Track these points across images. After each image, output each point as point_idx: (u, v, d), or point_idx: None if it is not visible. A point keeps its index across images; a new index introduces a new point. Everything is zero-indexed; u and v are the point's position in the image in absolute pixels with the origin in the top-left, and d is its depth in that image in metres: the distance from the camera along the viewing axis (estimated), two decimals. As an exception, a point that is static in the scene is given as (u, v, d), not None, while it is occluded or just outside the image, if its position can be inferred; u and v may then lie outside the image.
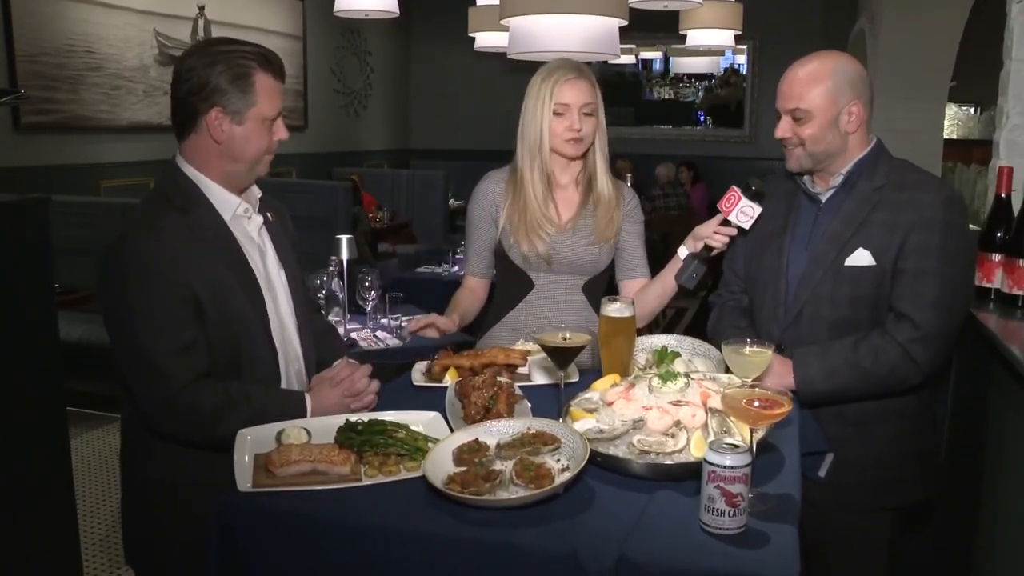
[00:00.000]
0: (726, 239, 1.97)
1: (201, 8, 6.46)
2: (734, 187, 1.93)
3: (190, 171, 1.66)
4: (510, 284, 2.24)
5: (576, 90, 2.11)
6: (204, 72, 1.59)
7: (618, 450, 1.44)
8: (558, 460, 1.39)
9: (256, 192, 1.76)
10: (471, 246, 2.30)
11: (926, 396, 1.96)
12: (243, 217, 1.70)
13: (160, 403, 1.55)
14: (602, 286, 2.25)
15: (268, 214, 1.78)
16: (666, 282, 2.11)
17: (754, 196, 1.92)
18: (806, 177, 1.97)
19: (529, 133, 2.15)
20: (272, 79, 1.64)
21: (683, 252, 2.04)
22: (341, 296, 3.05)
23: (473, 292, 2.33)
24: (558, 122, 2.11)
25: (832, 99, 1.84)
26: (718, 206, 1.96)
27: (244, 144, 1.63)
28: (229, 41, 1.66)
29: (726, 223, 1.95)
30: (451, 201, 7.82)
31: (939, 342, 1.81)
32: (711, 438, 1.42)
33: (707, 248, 1.99)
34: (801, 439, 1.62)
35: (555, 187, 2.20)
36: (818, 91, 1.84)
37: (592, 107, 2.13)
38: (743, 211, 1.92)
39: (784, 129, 1.89)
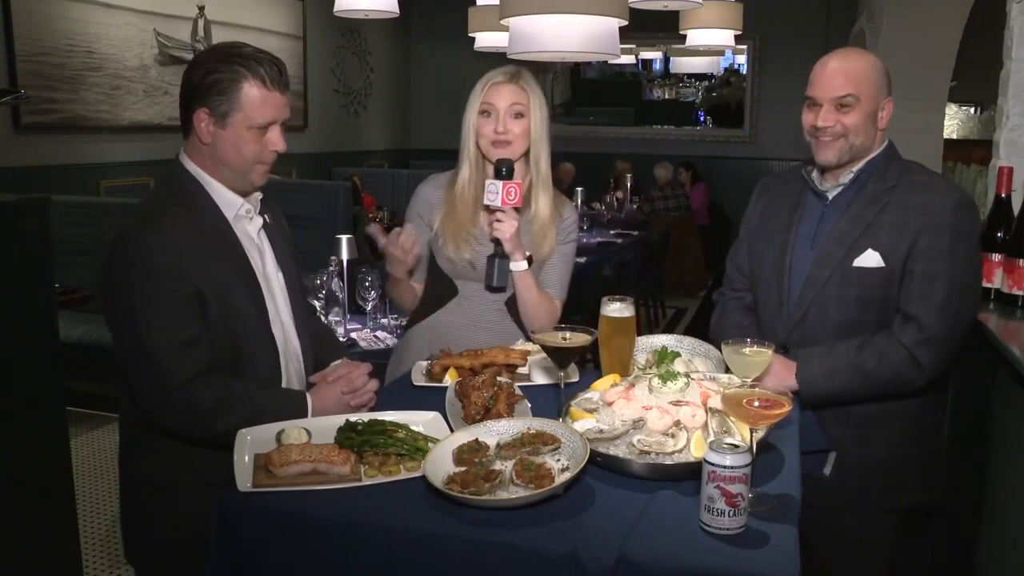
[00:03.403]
0: (503, 224, 2.00)
1: (201, 8, 6.46)
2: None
3: (193, 169, 1.67)
4: (435, 288, 2.20)
5: (504, 92, 2.07)
6: (197, 73, 1.60)
7: (618, 450, 1.43)
8: (558, 460, 1.39)
9: (257, 193, 1.76)
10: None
11: (930, 399, 1.94)
12: (245, 217, 1.71)
13: (160, 398, 1.55)
14: None
15: (266, 216, 1.79)
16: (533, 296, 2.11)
17: (498, 175, 2.02)
18: (815, 173, 1.97)
19: (462, 136, 2.13)
20: (264, 88, 1.61)
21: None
22: (341, 296, 3.05)
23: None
24: (485, 123, 2.09)
25: (875, 91, 1.85)
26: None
27: (228, 149, 1.63)
28: (237, 46, 1.65)
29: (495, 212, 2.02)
30: (451, 201, 7.80)
31: (944, 346, 1.80)
32: (711, 438, 1.42)
33: (496, 242, 2.03)
34: (804, 438, 1.62)
35: None
36: (866, 81, 1.84)
37: (521, 108, 2.07)
38: (489, 192, 2.00)
39: (827, 118, 1.85)
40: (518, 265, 2.06)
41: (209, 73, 1.59)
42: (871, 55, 1.92)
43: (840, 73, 1.85)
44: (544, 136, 2.12)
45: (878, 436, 1.91)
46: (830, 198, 1.93)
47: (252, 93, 1.60)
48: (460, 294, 2.15)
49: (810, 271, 1.91)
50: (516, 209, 2.03)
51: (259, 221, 1.75)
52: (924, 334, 1.77)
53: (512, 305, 2.15)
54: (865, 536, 1.97)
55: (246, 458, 1.44)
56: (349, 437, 1.47)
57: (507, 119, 2.07)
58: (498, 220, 2.00)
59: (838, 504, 1.92)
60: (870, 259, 1.84)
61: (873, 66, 1.87)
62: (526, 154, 2.12)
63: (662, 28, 6.18)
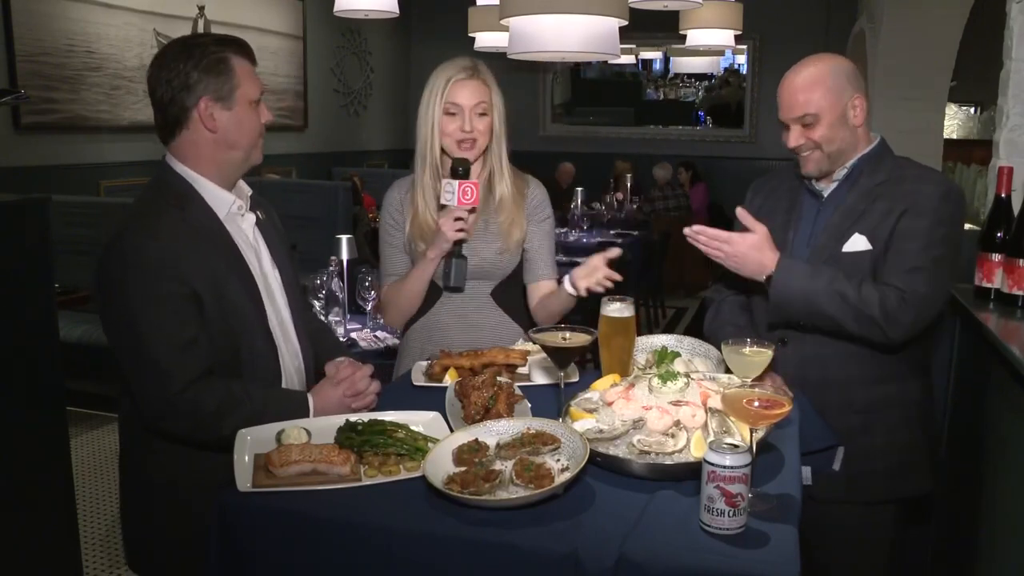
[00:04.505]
0: (459, 224, 2.00)
1: (201, 8, 6.46)
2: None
3: (182, 169, 1.66)
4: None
5: (469, 90, 2.05)
6: (184, 67, 1.61)
7: (618, 450, 1.43)
8: (558, 460, 1.39)
9: (246, 189, 1.77)
10: (389, 258, 2.21)
11: (925, 385, 1.99)
12: (237, 215, 1.71)
13: (162, 401, 1.55)
14: (514, 291, 2.20)
15: (258, 213, 1.79)
16: (562, 294, 2.09)
17: (455, 174, 2.02)
18: None
19: (420, 134, 2.11)
20: (247, 62, 1.67)
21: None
22: (341, 296, 3.05)
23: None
24: (449, 122, 2.07)
25: (836, 97, 1.86)
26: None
27: (238, 129, 1.65)
28: (192, 36, 1.69)
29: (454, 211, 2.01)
30: (451, 201, 7.80)
31: (919, 310, 1.80)
32: (711, 438, 1.42)
33: (456, 243, 2.02)
34: (807, 437, 1.63)
35: None
36: (821, 92, 1.85)
37: (485, 106, 2.07)
38: (445, 192, 2.02)
39: (796, 138, 1.90)
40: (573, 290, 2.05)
41: (199, 61, 1.60)
42: (828, 59, 1.91)
43: (796, 92, 1.88)
44: (504, 126, 2.12)
45: (880, 422, 1.93)
46: (825, 196, 1.96)
47: (242, 67, 1.65)
48: (444, 295, 2.15)
49: None
50: (472, 209, 2.03)
51: (252, 218, 1.75)
52: (902, 294, 1.79)
53: (499, 295, 2.16)
54: (866, 534, 1.98)
55: (246, 458, 1.44)
56: (349, 437, 1.47)
57: (473, 118, 2.06)
58: (451, 218, 2.00)
59: (845, 496, 1.93)
60: (858, 243, 1.87)
61: (830, 72, 1.87)
62: (493, 151, 2.13)
63: (662, 28, 6.17)
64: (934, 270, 1.82)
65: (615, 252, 1.98)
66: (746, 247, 1.85)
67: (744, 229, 1.90)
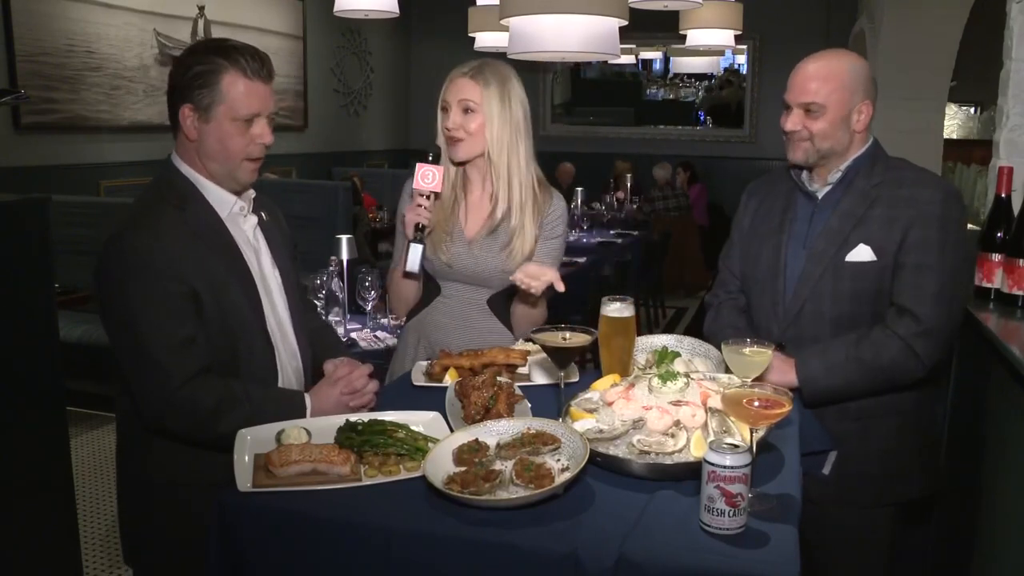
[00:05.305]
0: (418, 210, 2.00)
1: (201, 8, 6.46)
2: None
3: (185, 168, 1.67)
4: (426, 287, 2.17)
5: (456, 87, 2.04)
6: (180, 70, 1.61)
7: (618, 450, 1.43)
8: (558, 460, 1.39)
9: (250, 192, 1.76)
10: (398, 246, 2.18)
11: (926, 391, 1.97)
12: (239, 215, 1.71)
13: (160, 400, 1.55)
14: (511, 300, 2.16)
15: (262, 214, 1.79)
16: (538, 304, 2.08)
17: (424, 159, 2.03)
18: (804, 174, 1.98)
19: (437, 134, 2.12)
20: (246, 79, 1.61)
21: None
22: (341, 296, 3.05)
23: None
24: (443, 119, 2.07)
25: (847, 97, 1.85)
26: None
27: (215, 143, 1.62)
28: (218, 41, 1.66)
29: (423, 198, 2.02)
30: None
31: (940, 336, 1.83)
32: (711, 438, 1.42)
33: (418, 228, 2.01)
34: (804, 438, 1.63)
35: (468, 195, 2.14)
36: (834, 87, 1.84)
37: (471, 104, 2.02)
38: (421, 175, 2.01)
39: (795, 122, 1.88)
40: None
41: (190, 68, 1.60)
42: (850, 58, 1.90)
43: (811, 79, 1.86)
44: (507, 138, 2.04)
45: (877, 429, 1.92)
46: (819, 198, 1.95)
47: (234, 83, 1.60)
48: (443, 293, 2.15)
49: (803, 269, 1.92)
50: (437, 195, 2.03)
51: (253, 219, 1.75)
52: (920, 326, 1.80)
53: (495, 303, 2.15)
54: (865, 535, 1.98)
55: (246, 458, 1.44)
56: (349, 437, 1.47)
57: (457, 114, 2.04)
58: (418, 204, 2.00)
59: (839, 499, 1.93)
60: (861, 253, 1.86)
61: (849, 71, 1.86)
62: (490, 157, 2.06)
63: (662, 28, 6.18)
64: (952, 294, 1.83)
65: (561, 288, 1.96)
66: (776, 377, 1.77)
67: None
